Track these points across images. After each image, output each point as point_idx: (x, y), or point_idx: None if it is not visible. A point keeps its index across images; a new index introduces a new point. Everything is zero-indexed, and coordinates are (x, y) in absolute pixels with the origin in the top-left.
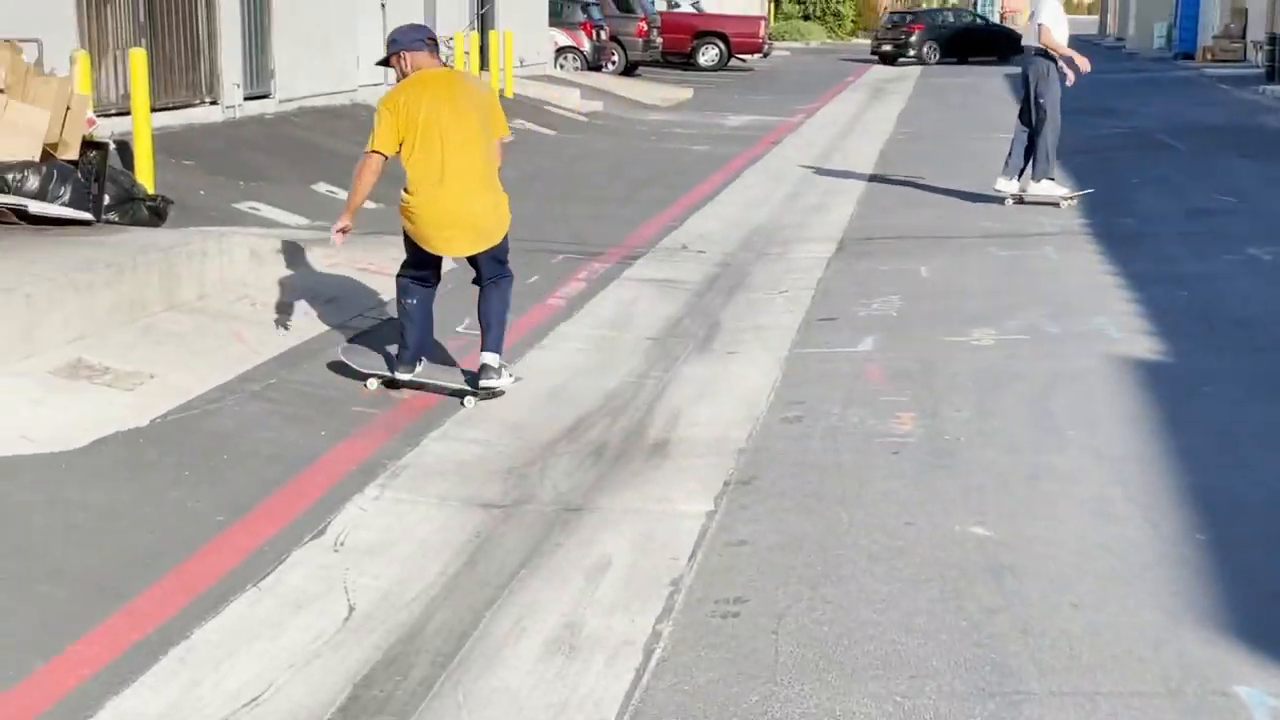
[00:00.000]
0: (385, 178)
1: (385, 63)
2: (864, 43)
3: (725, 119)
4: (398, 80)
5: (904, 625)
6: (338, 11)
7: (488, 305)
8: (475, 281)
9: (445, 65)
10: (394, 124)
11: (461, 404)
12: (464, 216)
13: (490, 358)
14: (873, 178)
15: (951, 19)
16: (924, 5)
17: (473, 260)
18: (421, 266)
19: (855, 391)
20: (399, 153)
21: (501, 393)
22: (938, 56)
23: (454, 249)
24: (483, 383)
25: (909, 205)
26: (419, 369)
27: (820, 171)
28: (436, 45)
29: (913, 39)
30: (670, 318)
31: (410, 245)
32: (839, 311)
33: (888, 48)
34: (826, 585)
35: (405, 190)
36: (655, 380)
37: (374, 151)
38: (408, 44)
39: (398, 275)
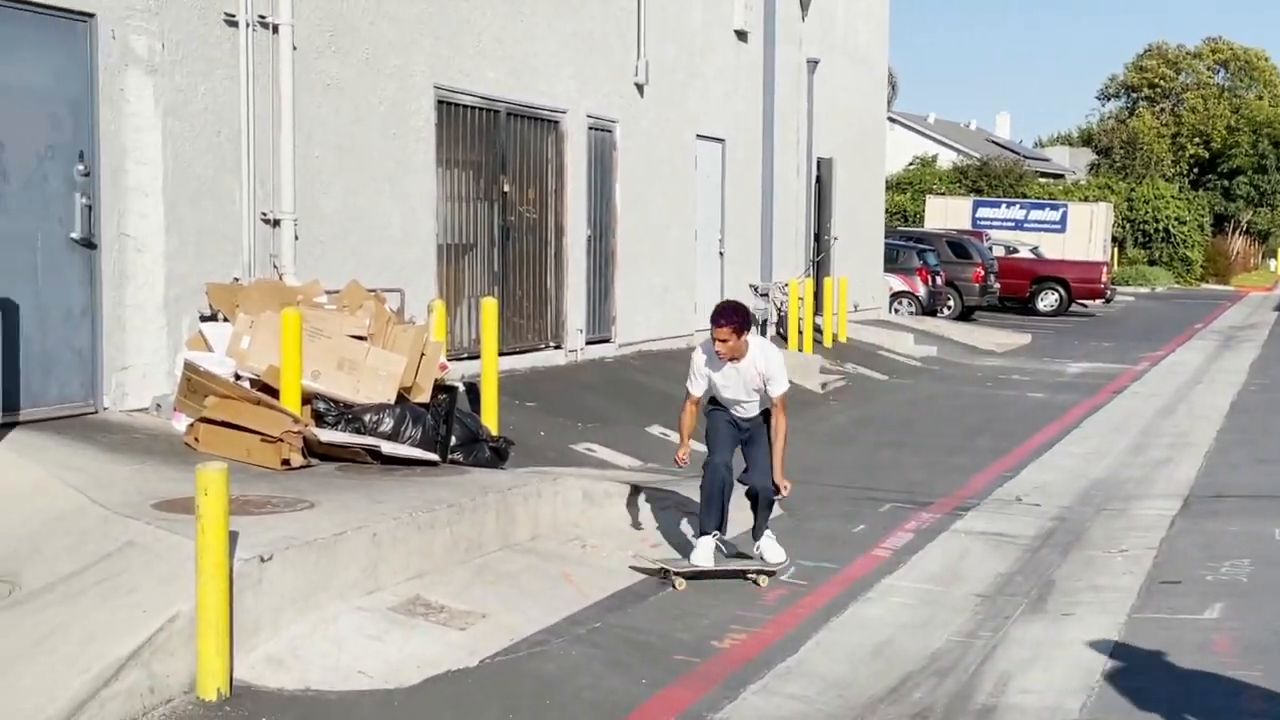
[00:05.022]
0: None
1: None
2: (1213, 288)
3: (1064, 366)
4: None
5: None
6: (677, 262)
7: None
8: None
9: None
10: None
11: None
12: None
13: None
14: (1222, 431)
15: None
16: None
17: None
18: None
19: (1201, 663)
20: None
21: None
22: None
23: None
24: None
25: (1262, 462)
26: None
27: (1165, 423)
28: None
29: None
30: (1001, 574)
31: None
32: (1184, 574)
33: None
34: None
35: None
36: (984, 641)
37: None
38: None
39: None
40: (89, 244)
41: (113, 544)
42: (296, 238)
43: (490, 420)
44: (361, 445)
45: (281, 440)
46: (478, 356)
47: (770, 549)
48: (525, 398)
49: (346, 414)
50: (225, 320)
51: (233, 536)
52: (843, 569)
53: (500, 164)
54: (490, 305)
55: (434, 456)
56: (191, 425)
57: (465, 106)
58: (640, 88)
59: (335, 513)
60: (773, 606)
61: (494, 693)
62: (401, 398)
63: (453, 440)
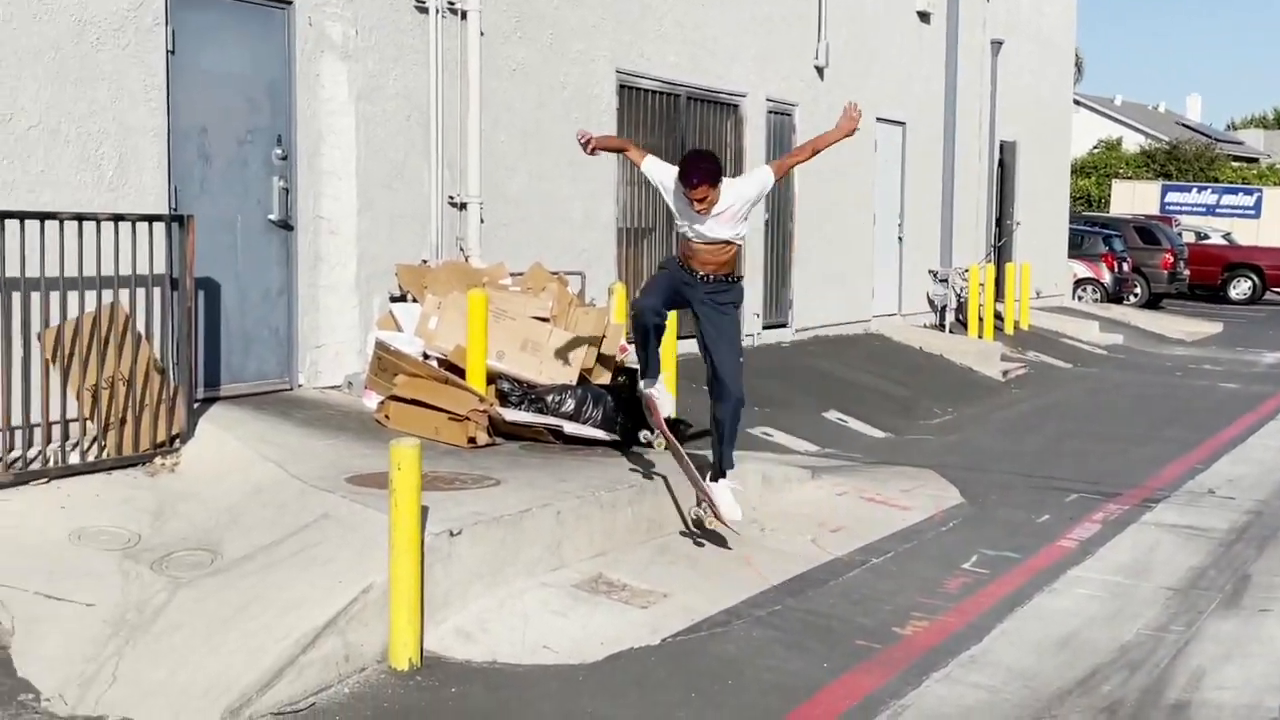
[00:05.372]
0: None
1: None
2: None
3: (1259, 356)
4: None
5: None
6: (855, 246)
7: None
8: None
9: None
10: None
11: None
12: None
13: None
14: None
15: None
16: None
17: None
18: None
19: None
20: None
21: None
22: None
23: None
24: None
25: None
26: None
27: None
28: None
29: None
30: (1194, 568)
31: None
32: None
33: None
34: None
35: None
36: (1176, 635)
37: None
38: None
39: None
40: (286, 226)
41: (309, 516)
42: (482, 221)
43: None
44: (545, 425)
45: (468, 419)
46: None
47: (726, 501)
48: (702, 381)
49: (530, 394)
50: (414, 301)
51: (424, 511)
52: (1026, 559)
53: (680, 148)
54: None
55: (615, 437)
56: (382, 403)
57: (646, 90)
58: (820, 70)
59: (520, 490)
60: (955, 595)
61: (676, 672)
62: (583, 379)
63: (632, 422)
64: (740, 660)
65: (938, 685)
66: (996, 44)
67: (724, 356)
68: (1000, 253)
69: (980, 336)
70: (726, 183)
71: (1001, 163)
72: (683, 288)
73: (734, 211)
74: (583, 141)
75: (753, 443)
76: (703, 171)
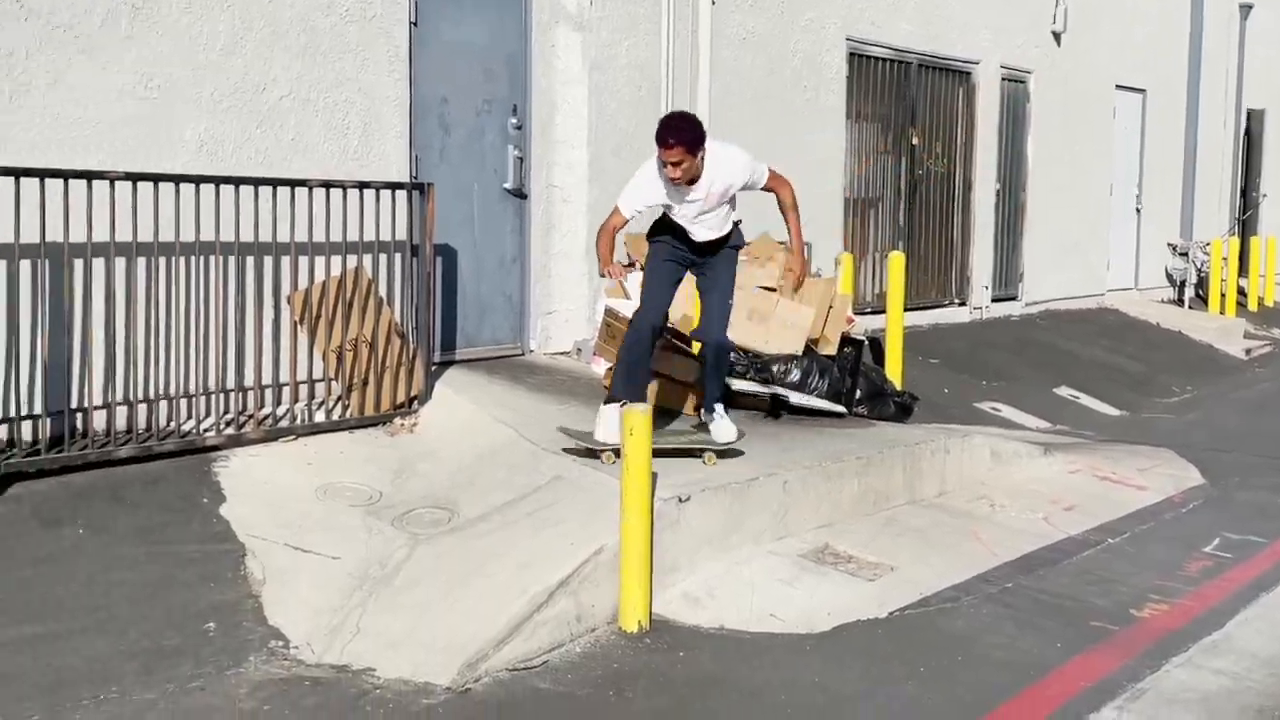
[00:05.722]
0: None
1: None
2: None
3: None
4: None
5: None
6: (1091, 217)
7: None
8: None
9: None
10: None
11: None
12: None
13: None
14: None
15: None
16: None
17: None
18: None
19: None
20: None
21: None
22: None
23: None
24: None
25: None
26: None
27: None
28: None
29: None
30: None
31: None
32: None
33: None
34: None
35: None
36: None
37: None
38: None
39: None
40: (520, 194)
41: (541, 478)
42: None
43: (894, 375)
44: (770, 395)
45: (694, 387)
46: (881, 311)
47: (720, 428)
48: (928, 354)
49: (755, 364)
50: (641, 270)
51: (652, 476)
52: (1272, 543)
53: (909, 116)
54: (898, 259)
55: (840, 408)
56: (609, 369)
57: (876, 58)
58: (1057, 36)
59: (747, 459)
60: (1195, 578)
61: (903, 645)
62: (809, 349)
63: (858, 393)
64: (969, 637)
65: (1178, 670)
66: (1245, 8)
67: (713, 299)
68: (1245, 226)
69: (1221, 313)
70: (712, 157)
71: (1248, 132)
72: (683, 261)
73: (719, 194)
74: (612, 273)
75: (981, 417)
76: (677, 131)
